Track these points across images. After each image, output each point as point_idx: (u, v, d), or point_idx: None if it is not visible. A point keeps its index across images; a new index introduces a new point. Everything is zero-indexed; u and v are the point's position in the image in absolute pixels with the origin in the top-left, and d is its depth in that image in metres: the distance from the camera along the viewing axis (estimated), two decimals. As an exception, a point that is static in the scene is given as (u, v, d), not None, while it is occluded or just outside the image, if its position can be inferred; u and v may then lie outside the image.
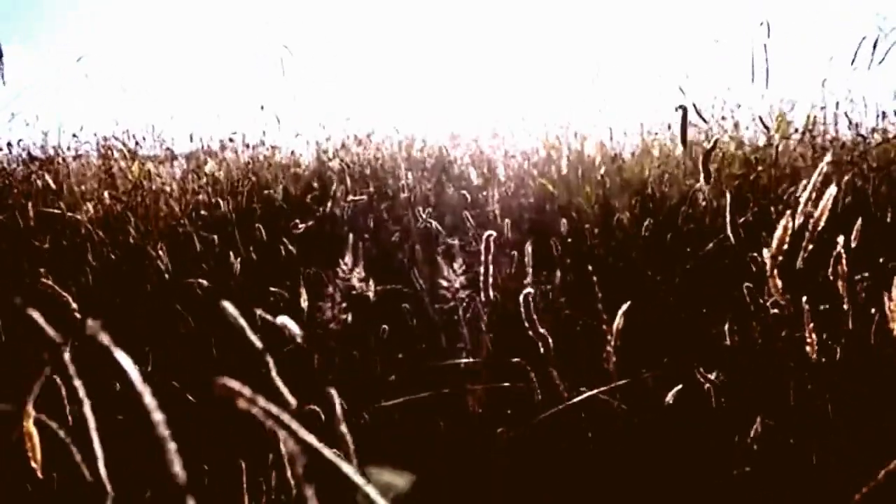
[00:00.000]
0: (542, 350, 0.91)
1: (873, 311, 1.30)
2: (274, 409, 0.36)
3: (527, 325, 0.90)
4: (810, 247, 1.04)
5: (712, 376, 1.07)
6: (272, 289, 2.01)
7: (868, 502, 0.82)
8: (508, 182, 3.40)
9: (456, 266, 1.95)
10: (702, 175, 1.22)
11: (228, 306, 0.60)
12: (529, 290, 0.90)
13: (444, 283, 1.92)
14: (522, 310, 0.90)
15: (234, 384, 0.32)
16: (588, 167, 3.51)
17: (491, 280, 0.97)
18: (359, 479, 0.43)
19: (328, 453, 0.36)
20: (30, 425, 0.88)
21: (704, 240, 2.13)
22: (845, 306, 1.30)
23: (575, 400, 1.03)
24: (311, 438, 0.40)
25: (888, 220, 2.26)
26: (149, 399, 0.39)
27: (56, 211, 2.56)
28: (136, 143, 4.01)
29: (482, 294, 0.98)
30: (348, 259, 2.02)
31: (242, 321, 0.58)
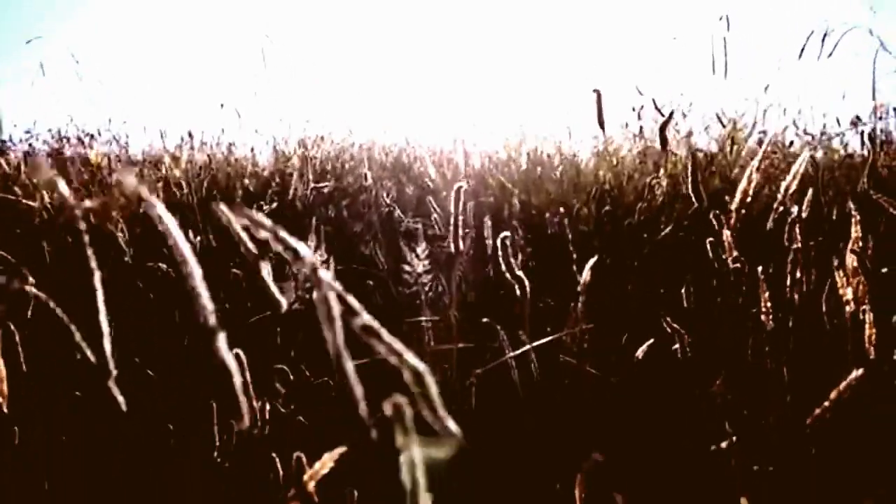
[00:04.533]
0: (518, 293, 0.93)
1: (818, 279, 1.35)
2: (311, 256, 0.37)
3: (503, 267, 0.92)
4: (781, 209, 1.08)
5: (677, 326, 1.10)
6: (233, 270, 1.99)
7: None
8: (469, 179, 3.42)
9: (419, 250, 1.97)
10: (658, 143, 1.25)
11: (223, 208, 0.60)
12: (506, 234, 0.91)
13: (407, 266, 1.93)
14: (500, 253, 0.91)
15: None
16: (546, 167, 3.56)
17: (461, 232, 0.99)
18: (404, 349, 0.44)
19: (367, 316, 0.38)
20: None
21: (661, 228, 2.19)
22: (798, 274, 1.35)
23: (537, 343, 1.04)
24: (352, 299, 0.41)
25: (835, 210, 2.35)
26: (188, 254, 0.40)
27: (11, 197, 2.50)
28: (91, 138, 3.93)
29: (452, 246, 0.99)
30: (310, 242, 2.02)
31: (238, 226, 0.58)
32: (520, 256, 2.03)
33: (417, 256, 1.95)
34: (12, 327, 0.88)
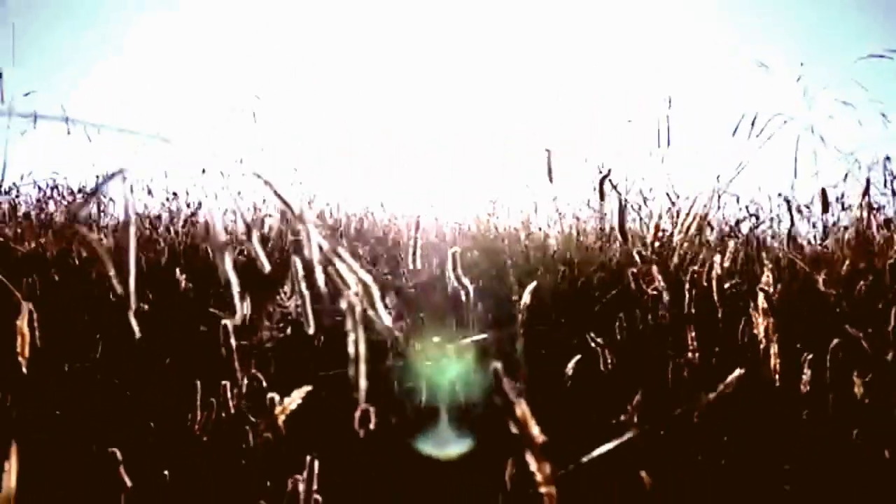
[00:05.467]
0: (463, 300, 1.09)
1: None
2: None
3: (453, 276, 1.08)
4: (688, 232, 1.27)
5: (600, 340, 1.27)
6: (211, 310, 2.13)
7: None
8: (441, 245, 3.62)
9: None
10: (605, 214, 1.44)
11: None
12: (456, 248, 1.08)
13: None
14: (450, 265, 1.08)
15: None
16: (513, 240, 3.78)
17: (420, 252, 1.15)
18: (356, 265, 0.61)
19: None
20: (24, 325, 1.01)
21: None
22: (719, 313, 1.54)
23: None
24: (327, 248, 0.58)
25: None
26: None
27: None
28: (75, 194, 4.09)
29: (410, 262, 1.15)
30: (287, 288, 2.17)
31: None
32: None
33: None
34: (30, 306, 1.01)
